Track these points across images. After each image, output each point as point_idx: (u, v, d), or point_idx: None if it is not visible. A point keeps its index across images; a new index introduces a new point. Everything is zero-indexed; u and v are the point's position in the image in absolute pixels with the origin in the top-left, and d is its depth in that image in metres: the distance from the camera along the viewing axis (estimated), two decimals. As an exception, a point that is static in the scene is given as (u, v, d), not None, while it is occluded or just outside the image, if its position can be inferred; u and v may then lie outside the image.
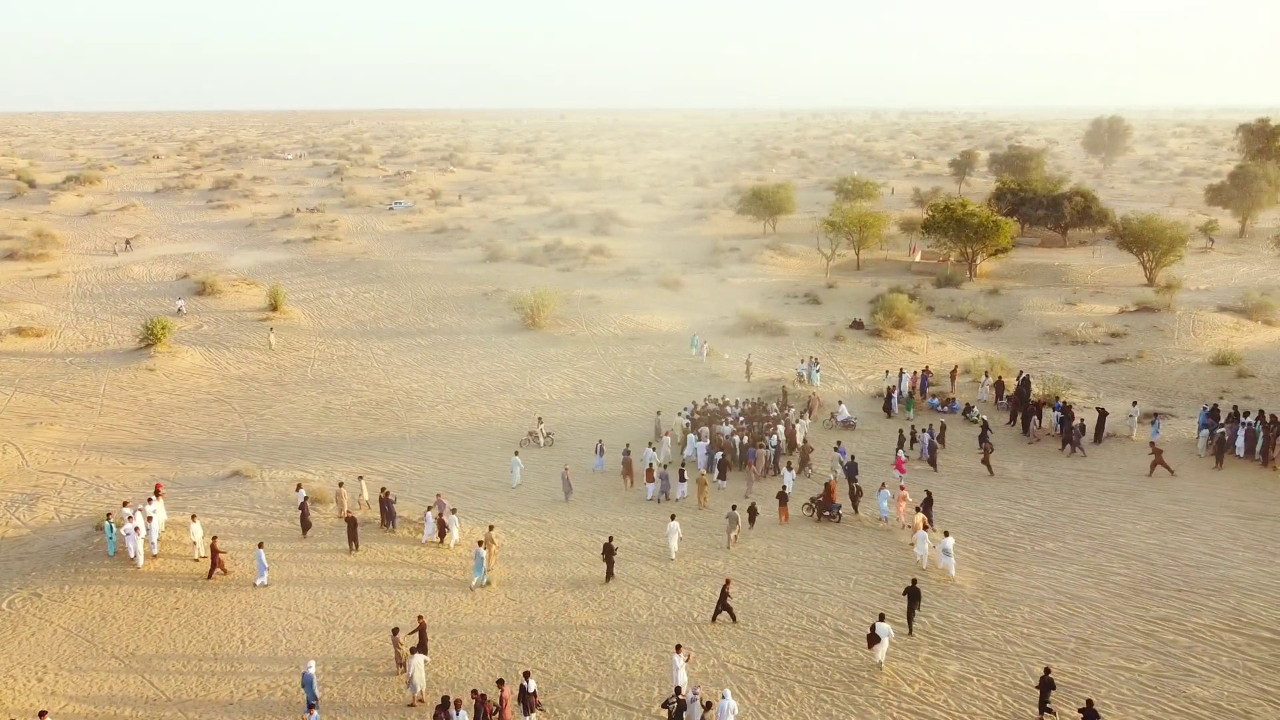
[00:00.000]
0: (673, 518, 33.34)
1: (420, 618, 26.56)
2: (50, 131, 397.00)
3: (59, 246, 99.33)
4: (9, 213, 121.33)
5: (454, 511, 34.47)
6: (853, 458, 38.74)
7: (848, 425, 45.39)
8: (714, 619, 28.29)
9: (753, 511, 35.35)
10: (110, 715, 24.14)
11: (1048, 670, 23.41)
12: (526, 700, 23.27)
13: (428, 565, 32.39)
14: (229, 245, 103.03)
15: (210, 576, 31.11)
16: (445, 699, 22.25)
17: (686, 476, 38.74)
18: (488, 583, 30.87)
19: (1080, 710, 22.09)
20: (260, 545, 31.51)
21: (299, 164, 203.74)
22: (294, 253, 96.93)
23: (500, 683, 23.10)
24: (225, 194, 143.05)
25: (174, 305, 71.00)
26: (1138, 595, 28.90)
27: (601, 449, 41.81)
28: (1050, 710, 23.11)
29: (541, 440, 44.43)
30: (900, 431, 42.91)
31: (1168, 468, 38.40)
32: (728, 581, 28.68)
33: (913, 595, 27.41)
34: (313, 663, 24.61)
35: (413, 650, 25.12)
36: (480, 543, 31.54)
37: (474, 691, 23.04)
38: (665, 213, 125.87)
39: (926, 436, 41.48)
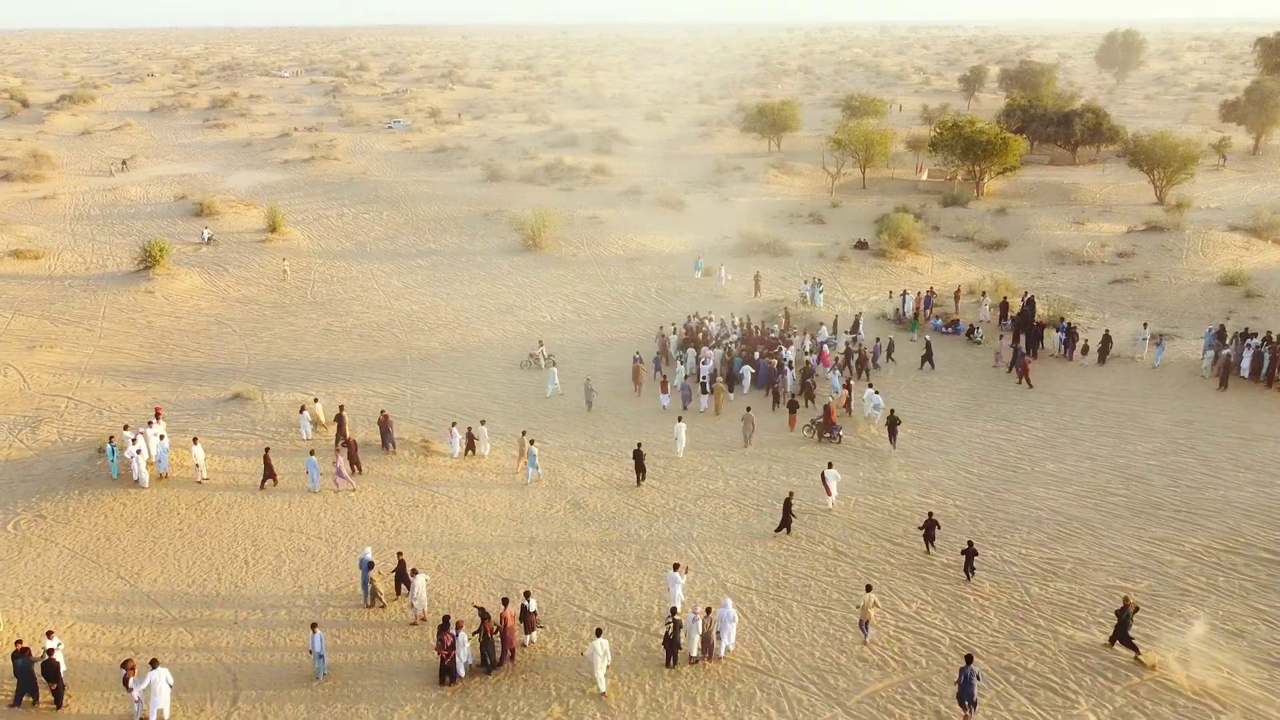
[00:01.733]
0: (679, 419, 35.51)
1: (399, 554, 26.33)
2: (42, 49, 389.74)
3: (54, 167, 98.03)
4: (3, 133, 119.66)
5: (483, 423, 35.42)
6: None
7: (828, 345, 45.32)
8: (777, 531, 28.82)
9: (776, 396, 39.23)
10: (117, 635, 24.46)
11: (971, 543, 26.12)
12: (527, 619, 23.50)
13: (429, 486, 32.54)
14: (226, 166, 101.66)
15: (262, 486, 32.11)
16: (446, 619, 22.45)
17: (708, 389, 39.82)
18: (531, 480, 32.95)
19: (963, 551, 25.98)
20: (312, 453, 32.55)
21: (296, 82, 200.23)
22: (292, 173, 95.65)
23: (505, 601, 23.28)
24: (221, 113, 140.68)
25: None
26: (1136, 516, 28.99)
27: (639, 358, 42.51)
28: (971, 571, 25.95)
29: (543, 362, 44.30)
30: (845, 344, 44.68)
31: (1028, 381, 40.23)
32: (790, 494, 29.19)
33: (893, 422, 34.77)
34: (369, 549, 26.14)
35: (413, 572, 25.25)
36: (531, 442, 33.14)
37: (479, 608, 23.24)
38: (668, 131, 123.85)
39: (843, 339, 44.99)
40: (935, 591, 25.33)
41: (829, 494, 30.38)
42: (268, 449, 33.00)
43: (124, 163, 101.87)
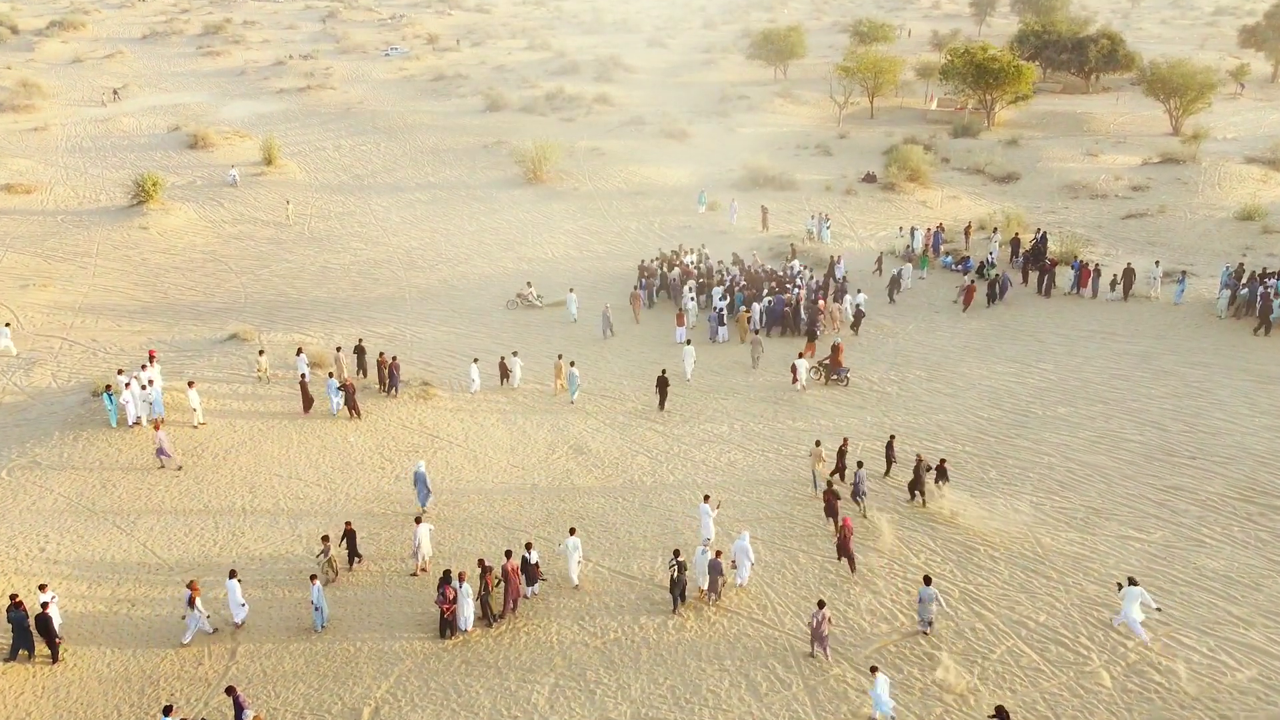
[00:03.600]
0: (688, 342, 37.02)
1: (348, 523, 24.67)
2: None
3: (45, 97, 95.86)
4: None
5: (515, 354, 35.75)
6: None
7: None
8: (838, 473, 28.27)
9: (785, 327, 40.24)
10: (113, 586, 24.09)
11: (920, 457, 27.19)
12: (529, 571, 23.09)
13: (429, 431, 31.99)
14: (220, 95, 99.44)
15: (306, 411, 32.78)
16: (447, 572, 22.02)
17: (726, 321, 39.88)
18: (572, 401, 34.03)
19: (935, 468, 26.95)
20: (330, 375, 33.69)
21: (290, 7, 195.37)
22: (287, 102, 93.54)
23: (507, 554, 22.85)
24: (215, 39, 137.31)
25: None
26: (1150, 463, 28.39)
27: (639, 286, 43.57)
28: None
29: (535, 301, 43.41)
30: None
31: (967, 303, 41.69)
32: (845, 440, 28.92)
33: (858, 314, 39.10)
34: (422, 462, 27.39)
35: (416, 520, 24.78)
36: (571, 364, 34.41)
37: (480, 561, 22.81)
38: (671, 57, 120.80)
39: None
40: (945, 542, 24.87)
41: (795, 380, 34.27)
42: (303, 375, 33.36)
43: (115, 92, 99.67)
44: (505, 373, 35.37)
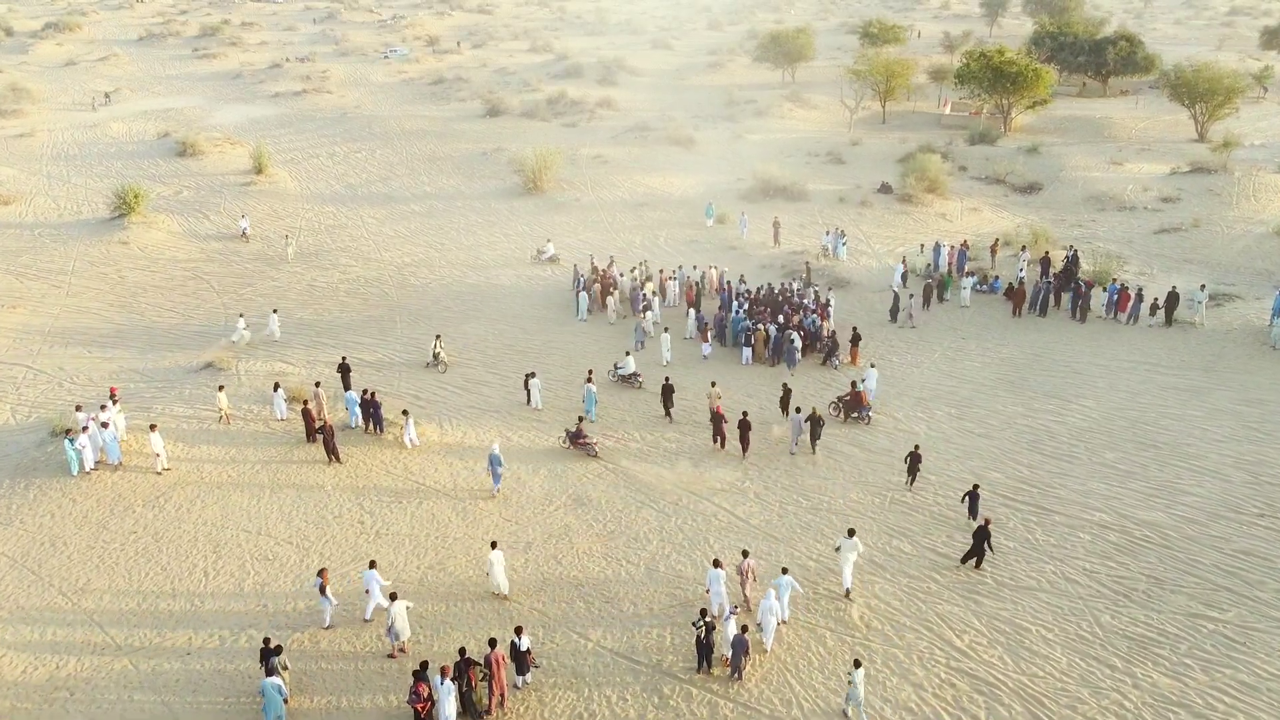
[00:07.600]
0: (665, 330, 38.18)
1: (277, 645, 20.53)
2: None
3: (35, 102, 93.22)
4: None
5: (534, 375, 34.19)
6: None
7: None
8: (964, 563, 24.05)
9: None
10: (51, 669, 21.33)
11: (976, 486, 26.00)
12: (520, 658, 20.29)
13: (415, 478, 29.22)
14: (214, 99, 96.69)
15: (310, 441, 31.00)
16: (424, 665, 19.23)
17: (753, 340, 37.60)
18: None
19: (966, 494, 25.79)
20: (348, 388, 33.84)
21: (290, 8, 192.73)
22: (283, 107, 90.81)
23: (492, 642, 20.05)
24: (212, 41, 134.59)
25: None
26: (1214, 521, 25.52)
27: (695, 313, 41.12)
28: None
29: (442, 358, 37.55)
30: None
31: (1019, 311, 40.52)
32: (987, 520, 24.08)
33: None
34: (496, 443, 28.42)
35: (392, 597, 21.98)
36: (587, 379, 33.31)
37: (461, 651, 19.95)
38: (676, 60, 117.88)
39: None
40: (990, 620, 22.03)
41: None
42: (306, 402, 31.85)
43: (107, 96, 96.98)
44: (529, 395, 34.07)
